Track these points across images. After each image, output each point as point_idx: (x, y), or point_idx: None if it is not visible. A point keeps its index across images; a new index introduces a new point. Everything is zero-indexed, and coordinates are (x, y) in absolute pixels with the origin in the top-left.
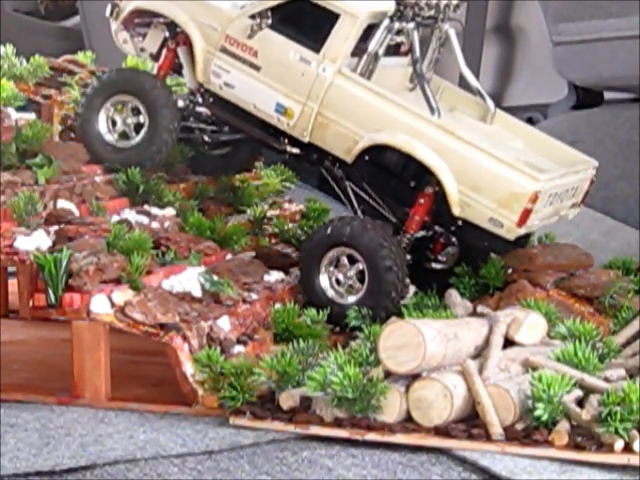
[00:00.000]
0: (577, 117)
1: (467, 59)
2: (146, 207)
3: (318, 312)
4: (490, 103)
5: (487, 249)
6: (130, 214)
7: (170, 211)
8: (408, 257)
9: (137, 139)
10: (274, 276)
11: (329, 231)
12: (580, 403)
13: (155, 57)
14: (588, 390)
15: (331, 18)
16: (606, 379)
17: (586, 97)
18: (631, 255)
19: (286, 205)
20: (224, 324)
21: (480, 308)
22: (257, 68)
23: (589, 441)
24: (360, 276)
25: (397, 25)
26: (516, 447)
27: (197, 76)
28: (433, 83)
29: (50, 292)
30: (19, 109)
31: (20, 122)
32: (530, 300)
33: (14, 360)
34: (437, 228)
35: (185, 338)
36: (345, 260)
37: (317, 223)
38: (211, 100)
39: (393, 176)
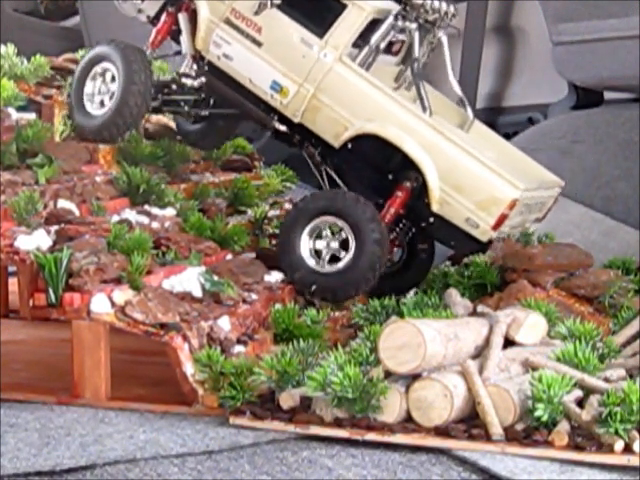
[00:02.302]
0: (577, 117)
1: (467, 59)
2: (146, 207)
3: (318, 312)
4: (469, 112)
5: (453, 248)
6: (130, 214)
7: (170, 211)
8: None
9: (109, 105)
10: (274, 276)
11: (319, 200)
12: (580, 403)
13: (152, 20)
14: (588, 390)
15: (338, 7)
16: (606, 379)
17: (586, 97)
18: (631, 255)
19: (286, 205)
20: (224, 324)
21: (480, 308)
22: (259, 44)
23: (589, 441)
24: (343, 246)
25: (400, 24)
26: (516, 447)
27: (196, 44)
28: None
29: (50, 292)
30: (20, 109)
31: (21, 122)
32: (530, 300)
33: (14, 360)
34: (396, 228)
35: (185, 338)
36: (327, 231)
37: None
38: (206, 69)
39: (372, 167)
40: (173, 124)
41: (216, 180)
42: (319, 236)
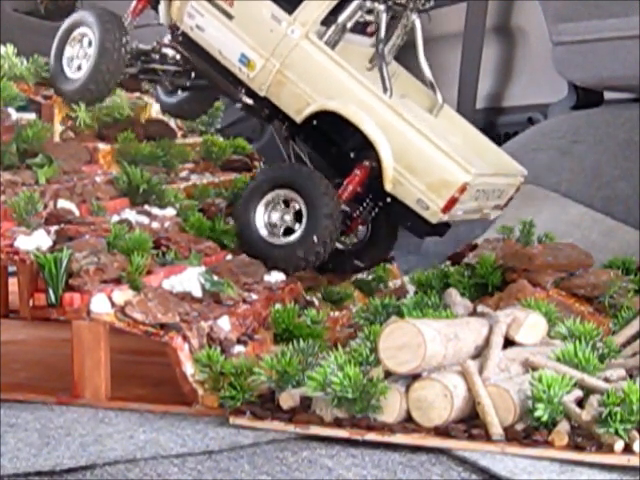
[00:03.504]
0: (577, 117)
1: (467, 59)
2: (146, 207)
3: (318, 312)
4: (439, 96)
5: (409, 230)
6: (130, 214)
7: (170, 211)
8: None
9: (83, 71)
10: (274, 276)
11: (275, 173)
12: (580, 403)
13: None
14: (588, 390)
15: None
16: (606, 379)
17: (586, 97)
18: (631, 255)
19: None
20: (224, 324)
21: (480, 308)
22: (230, 17)
23: (589, 441)
24: (297, 219)
25: (369, 4)
26: (516, 447)
27: (172, 14)
28: (391, 67)
29: (50, 292)
30: (20, 109)
31: (21, 122)
32: (530, 300)
33: (14, 360)
34: (360, 206)
35: (185, 338)
36: (282, 204)
37: None
38: (180, 39)
39: (334, 144)
40: (173, 124)
41: (216, 180)
42: (275, 209)
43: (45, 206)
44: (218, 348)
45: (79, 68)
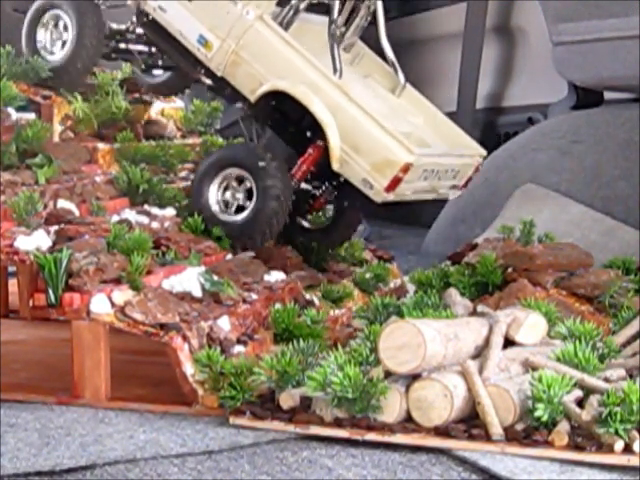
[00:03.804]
0: (577, 117)
1: (467, 59)
2: (146, 207)
3: (318, 312)
4: (401, 77)
5: (361, 209)
6: (130, 214)
7: (170, 211)
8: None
9: (61, 55)
10: (274, 276)
11: (230, 151)
12: (580, 403)
13: None
14: (588, 390)
15: None
16: (606, 379)
17: (586, 97)
18: (631, 255)
19: None
20: (224, 324)
21: (480, 308)
22: None
23: (589, 441)
24: (248, 197)
25: None
26: (516, 447)
27: None
28: (355, 48)
29: (50, 292)
30: (19, 109)
31: (20, 122)
32: (530, 300)
33: (14, 360)
34: (322, 186)
35: (185, 338)
36: (235, 182)
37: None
38: (144, 20)
39: (291, 124)
40: (172, 124)
41: None
42: (229, 187)
43: (45, 206)
44: (218, 348)
45: (52, 53)
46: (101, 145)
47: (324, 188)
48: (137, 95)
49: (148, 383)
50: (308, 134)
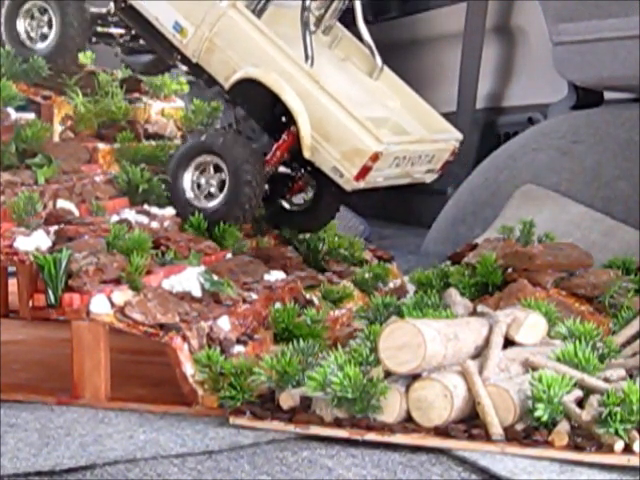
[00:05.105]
0: (577, 117)
1: (467, 59)
2: (146, 207)
3: (317, 312)
4: (378, 60)
5: (336, 192)
6: (130, 214)
7: (170, 210)
8: (266, 187)
9: (47, 41)
10: (274, 276)
11: (204, 138)
12: (580, 403)
13: None
14: (588, 390)
15: None
16: (606, 379)
17: (586, 97)
18: (631, 255)
19: None
20: (224, 324)
21: (480, 308)
22: None
23: (589, 441)
24: (221, 185)
25: None
26: (516, 447)
27: None
28: (334, 31)
29: (50, 292)
30: (19, 109)
31: (20, 122)
32: (530, 300)
33: (14, 360)
34: (300, 170)
35: (185, 338)
36: (211, 169)
37: None
38: (122, 6)
39: (266, 110)
40: (172, 124)
41: None
42: (203, 173)
43: (44, 206)
44: (218, 348)
45: (36, 41)
46: (101, 145)
47: (302, 171)
48: (137, 95)
49: (148, 383)
50: (283, 119)
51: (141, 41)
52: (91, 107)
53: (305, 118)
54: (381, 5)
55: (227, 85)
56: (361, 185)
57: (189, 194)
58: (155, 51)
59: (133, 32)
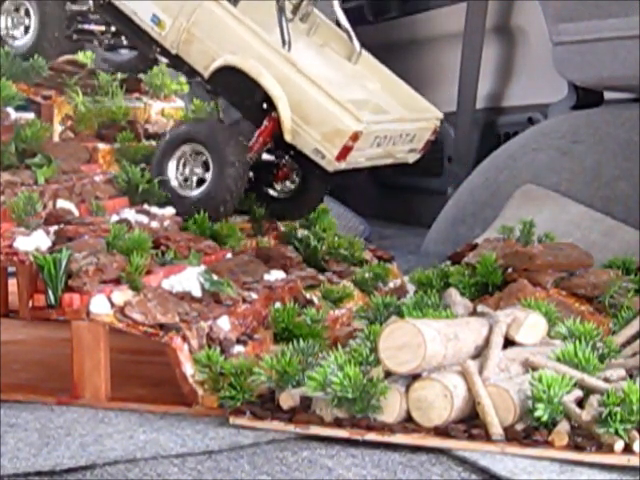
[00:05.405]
0: (577, 117)
1: (467, 59)
2: (146, 206)
3: (317, 312)
4: (356, 44)
5: (319, 176)
6: (130, 213)
7: (170, 210)
8: (250, 174)
9: (26, 38)
10: (274, 275)
11: (186, 127)
12: (580, 403)
13: None
14: (588, 390)
15: None
16: (606, 379)
17: (586, 97)
18: (631, 255)
19: None
20: (224, 324)
21: (480, 308)
22: None
23: (589, 441)
24: (205, 173)
25: None
26: (516, 447)
27: None
28: (311, 18)
29: (50, 292)
30: (19, 109)
31: (20, 122)
32: (530, 300)
33: (14, 360)
34: (284, 155)
35: (185, 338)
36: (195, 158)
37: (317, 223)
38: (101, 2)
39: (247, 97)
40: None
41: None
42: (188, 162)
43: (44, 206)
44: (218, 348)
45: (15, 38)
46: (101, 145)
47: (286, 158)
48: (137, 95)
49: (148, 383)
50: (264, 106)
51: (122, 37)
52: (91, 107)
53: (285, 102)
54: (381, 5)
55: (207, 74)
56: (342, 166)
57: (173, 183)
58: (136, 46)
59: (113, 29)
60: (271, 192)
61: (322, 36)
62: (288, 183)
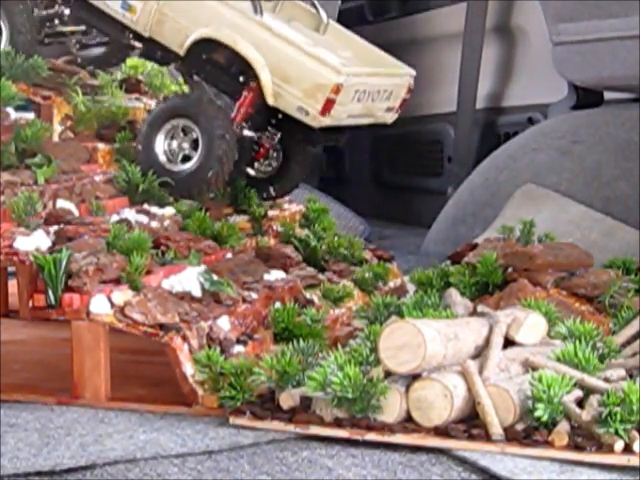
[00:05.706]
0: (577, 117)
1: (467, 59)
2: (145, 206)
3: (317, 312)
4: (323, 15)
5: (303, 141)
6: (130, 213)
7: (170, 210)
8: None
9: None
10: (274, 275)
11: (172, 102)
12: (580, 403)
13: None
14: (588, 390)
15: None
16: (606, 379)
17: (586, 97)
18: (631, 255)
19: (286, 205)
20: (224, 324)
21: (480, 308)
22: None
23: (589, 441)
24: (194, 147)
25: None
26: (516, 447)
27: None
28: None
29: (50, 292)
30: (19, 109)
31: (19, 122)
32: (530, 300)
33: (14, 360)
34: (265, 131)
35: (185, 338)
36: (181, 133)
37: (317, 223)
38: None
39: (223, 71)
40: None
41: None
42: (175, 138)
43: (44, 206)
44: (218, 348)
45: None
46: (101, 145)
47: (267, 134)
48: (137, 95)
49: (148, 383)
50: (241, 79)
51: (93, 34)
52: (91, 107)
53: (263, 65)
54: (381, 5)
55: (182, 52)
56: (327, 122)
57: (162, 158)
58: (109, 42)
59: (84, 28)
60: (250, 172)
61: (287, 12)
62: (267, 163)
